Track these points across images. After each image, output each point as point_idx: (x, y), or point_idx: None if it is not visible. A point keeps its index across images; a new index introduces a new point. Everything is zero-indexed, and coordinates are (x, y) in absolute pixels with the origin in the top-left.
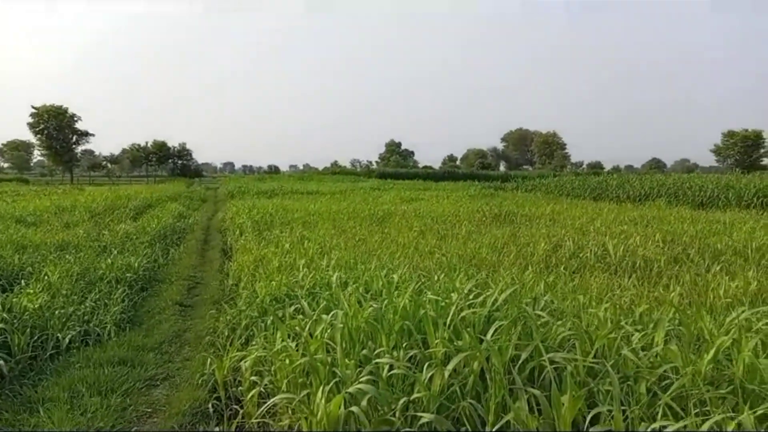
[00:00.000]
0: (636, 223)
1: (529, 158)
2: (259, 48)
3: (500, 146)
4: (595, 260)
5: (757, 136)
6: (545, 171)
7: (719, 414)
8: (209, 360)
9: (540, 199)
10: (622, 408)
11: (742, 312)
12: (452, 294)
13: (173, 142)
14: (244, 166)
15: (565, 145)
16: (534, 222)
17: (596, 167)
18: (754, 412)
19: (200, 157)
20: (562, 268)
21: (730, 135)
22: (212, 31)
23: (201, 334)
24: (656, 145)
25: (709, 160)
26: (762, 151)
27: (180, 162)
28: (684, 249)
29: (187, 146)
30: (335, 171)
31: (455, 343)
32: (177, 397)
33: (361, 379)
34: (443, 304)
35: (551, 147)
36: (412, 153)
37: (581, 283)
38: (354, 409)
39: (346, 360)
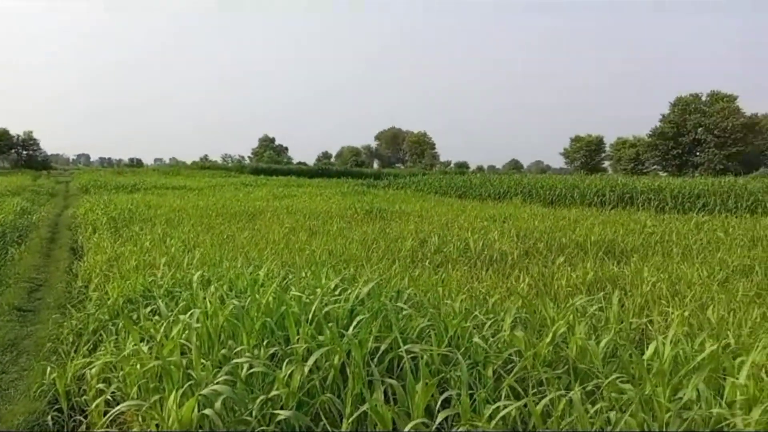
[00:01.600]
0: (495, 220)
1: (401, 157)
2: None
3: (374, 145)
4: (457, 254)
5: (599, 141)
6: (416, 169)
7: (554, 392)
8: (49, 368)
9: (410, 197)
10: (471, 392)
11: (579, 299)
12: (317, 290)
13: (17, 131)
14: (102, 159)
15: (434, 145)
16: (403, 218)
17: (463, 167)
18: (584, 388)
19: (50, 147)
20: (427, 263)
21: (576, 140)
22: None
23: (42, 341)
24: (515, 148)
25: (560, 162)
26: (603, 154)
27: (25, 152)
28: (534, 243)
29: (34, 135)
30: (205, 165)
31: (317, 339)
32: (10, 411)
33: (218, 380)
34: (307, 300)
35: (422, 146)
36: (287, 149)
37: (444, 276)
38: (207, 411)
39: (203, 361)
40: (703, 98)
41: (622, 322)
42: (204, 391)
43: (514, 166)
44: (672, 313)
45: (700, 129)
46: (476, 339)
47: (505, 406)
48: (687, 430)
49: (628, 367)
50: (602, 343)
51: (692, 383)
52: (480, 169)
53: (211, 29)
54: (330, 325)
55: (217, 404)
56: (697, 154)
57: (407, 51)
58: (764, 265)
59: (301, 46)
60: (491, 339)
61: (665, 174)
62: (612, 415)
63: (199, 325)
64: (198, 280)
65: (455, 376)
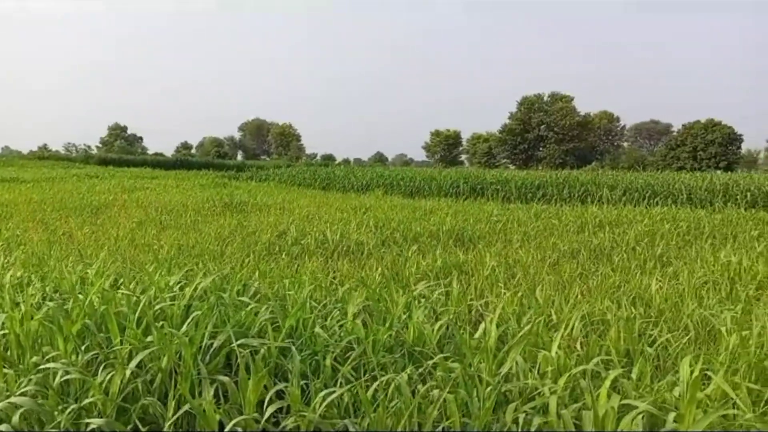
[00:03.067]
0: (356, 211)
1: (267, 149)
2: None
3: (238, 136)
4: (315, 246)
5: (457, 135)
6: (281, 161)
7: (390, 374)
8: None
9: (273, 189)
10: (306, 382)
11: (420, 285)
12: (153, 287)
13: None
14: None
15: (300, 137)
16: (264, 211)
17: (329, 159)
18: (417, 369)
19: None
20: (284, 255)
21: (436, 134)
22: None
23: None
24: (381, 140)
25: (422, 155)
26: (460, 148)
27: None
28: (391, 233)
29: None
30: (43, 156)
31: (143, 341)
32: None
33: (23, 391)
34: (137, 298)
35: (287, 138)
36: (141, 139)
37: (300, 268)
38: (3, 428)
39: (6, 371)
40: (545, 98)
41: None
42: None
43: (380, 158)
44: (504, 294)
45: (542, 126)
46: (317, 329)
47: (338, 393)
48: (506, 400)
49: (459, 346)
50: (436, 326)
51: (510, 357)
52: (346, 161)
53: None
54: (161, 323)
55: (15, 418)
56: (541, 149)
57: (269, 42)
58: (588, 247)
59: (159, 34)
60: (337, 328)
61: (514, 167)
62: (435, 392)
63: (6, 331)
64: (11, 281)
65: (290, 368)
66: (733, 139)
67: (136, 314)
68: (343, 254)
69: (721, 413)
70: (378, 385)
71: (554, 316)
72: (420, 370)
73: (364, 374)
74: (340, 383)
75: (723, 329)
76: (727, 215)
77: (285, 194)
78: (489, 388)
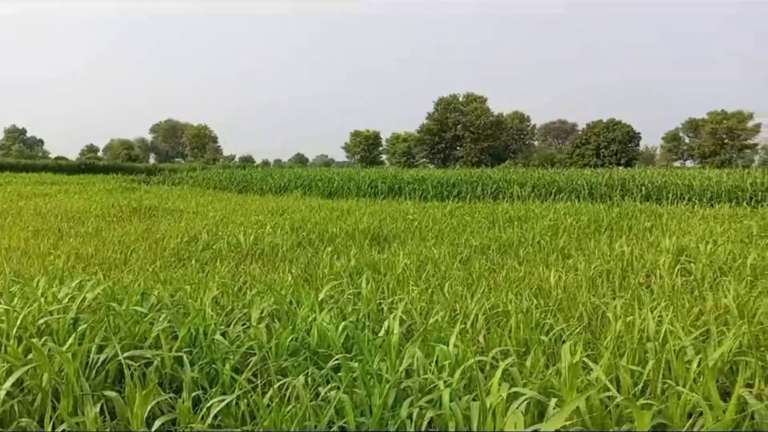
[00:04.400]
0: (272, 213)
1: (181, 151)
2: None
3: (150, 137)
4: (228, 250)
5: (376, 136)
6: (196, 164)
7: (289, 378)
8: None
9: (186, 193)
10: (202, 392)
11: (327, 287)
12: (38, 300)
13: None
14: None
15: (216, 138)
16: (175, 216)
17: (248, 161)
18: (320, 370)
19: None
20: (193, 261)
21: (356, 134)
22: None
23: None
24: (302, 142)
25: (342, 155)
26: (381, 148)
27: None
28: (307, 234)
29: None
30: None
31: (28, 357)
32: None
33: None
34: (16, 313)
35: (203, 140)
36: (41, 142)
37: (209, 274)
38: None
39: None
40: (461, 99)
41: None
42: None
43: (300, 159)
44: (412, 291)
45: (459, 126)
46: (217, 336)
47: (227, 401)
48: (406, 396)
49: (360, 346)
50: (340, 327)
51: (408, 353)
52: (266, 163)
53: None
54: (44, 339)
55: None
56: (458, 148)
57: (185, 40)
58: (498, 242)
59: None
60: (242, 334)
61: (433, 166)
62: (333, 393)
63: None
64: None
65: (193, 377)
66: (632, 137)
67: (14, 330)
68: (257, 258)
69: (600, 395)
70: (275, 390)
71: (459, 311)
72: (322, 372)
73: (266, 380)
74: (239, 391)
75: (610, 315)
76: (624, 208)
77: (199, 198)
78: (388, 386)
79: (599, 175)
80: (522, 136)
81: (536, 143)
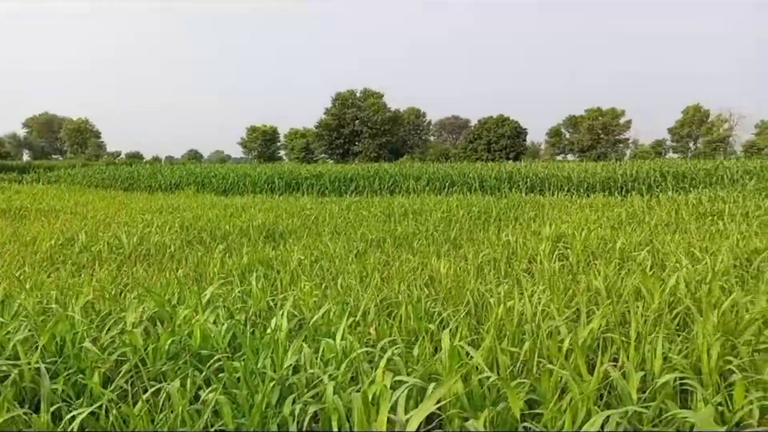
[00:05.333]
0: (162, 212)
1: (60, 147)
2: None
3: (23, 133)
4: (108, 251)
5: (274, 131)
6: (77, 161)
7: (168, 382)
8: None
9: (64, 191)
10: (66, 403)
11: (217, 284)
12: None
13: None
14: None
15: (99, 133)
16: (51, 216)
17: (135, 157)
18: (201, 370)
19: None
20: (69, 264)
21: (252, 130)
22: None
23: None
24: (196, 137)
25: (239, 151)
26: (279, 144)
27: None
28: (199, 233)
29: None
30: None
31: None
32: None
33: None
34: None
35: (84, 135)
36: None
37: (86, 277)
38: None
39: None
40: (358, 94)
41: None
42: None
43: (194, 156)
44: (305, 286)
45: (357, 121)
46: (86, 343)
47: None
48: (291, 392)
49: (250, 344)
50: (224, 327)
51: (293, 349)
52: (156, 159)
53: None
54: None
55: None
56: (356, 143)
57: (65, 28)
58: (393, 235)
59: None
60: (118, 340)
61: (332, 161)
62: (210, 395)
63: None
64: None
65: (55, 389)
66: (519, 132)
67: None
68: (141, 259)
69: (480, 377)
70: (150, 396)
71: (352, 304)
72: (203, 374)
73: (141, 386)
74: (110, 400)
75: (492, 301)
76: (511, 200)
77: (78, 197)
78: (272, 383)
79: (489, 169)
80: (418, 132)
81: (432, 138)
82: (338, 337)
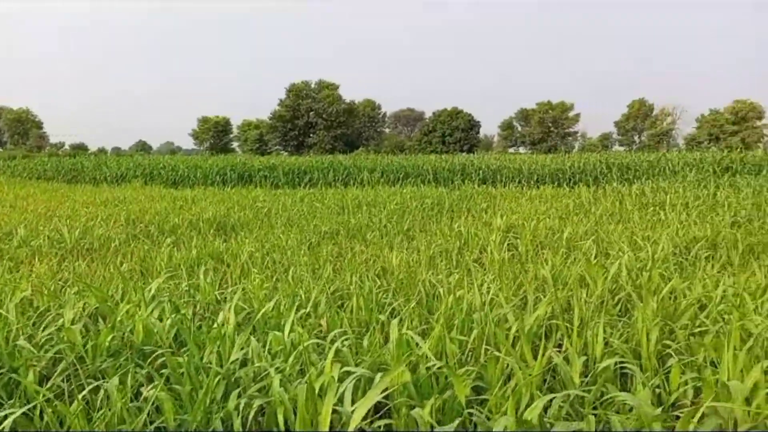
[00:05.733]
0: (107, 204)
1: None
2: None
3: None
4: (49, 246)
5: (226, 122)
6: (17, 152)
7: (107, 380)
8: None
9: (3, 184)
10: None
11: (163, 278)
12: None
13: None
14: None
15: (42, 123)
16: None
17: (80, 148)
18: (143, 366)
19: None
20: (6, 260)
21: (204, 121)
22: None
23: None
24: (145, 128)
25: (190, 142)
26: (231, 135)
27: None
28: (146, 226)
29: None
30: None
31: None
32: None
33: None
34: None
35: (25, 126)
36: None
37: (23, 273)
38: None
39: None
40: (312, 85)
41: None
42: None
43: (143, 147)
44: (255, 279)
45: (311, 113)
46: (21, 341)
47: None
48: (237, 386)
49: (195, 338)
50: (169, 321)
51: (239, 342)
52: (102, 150)
53: None
54: None
55: None
56: (311, 135)
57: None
58: (347, 227)
59: None
60: (54, 336)
61: (286, 153)
62: (151, 392)
63: None
64: None
65: None
66: (473, 125)
67: None
68: (84, 253)
69: (428, 365)
70: (88, 394)
71: (303, 296)
72: (144, 370)
73: (79, 384)
74: (46, 399)
75: (442, 291)
76: (464, 191)
77: (18, 190)
78: (218, 378)
79: (443, 161)
80: (374, 124)
81: (387, 130)
82: (287, 329)
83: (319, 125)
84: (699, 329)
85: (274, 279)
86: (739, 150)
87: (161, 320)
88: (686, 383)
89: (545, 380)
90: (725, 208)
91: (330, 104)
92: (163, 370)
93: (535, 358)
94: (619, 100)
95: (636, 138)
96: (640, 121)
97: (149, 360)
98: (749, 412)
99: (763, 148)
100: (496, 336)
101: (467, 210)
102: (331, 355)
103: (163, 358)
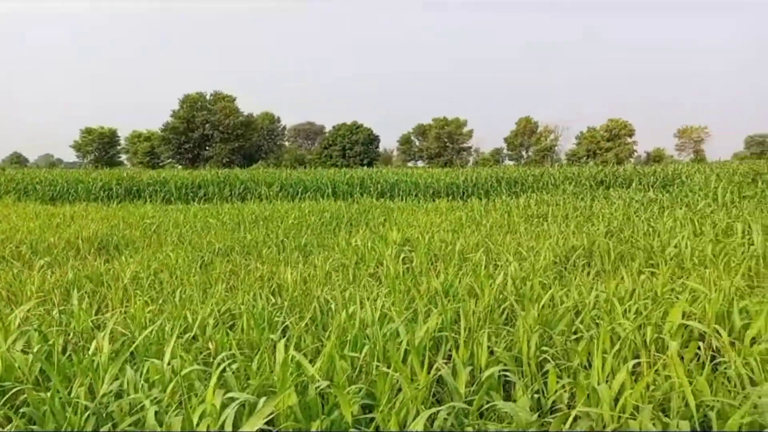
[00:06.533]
0: None
1: None
2: None
3: None
4: None
5: (113, 133)
6: None
7: None
8: None
9: None
10: None
11: (29, 306)
12: None
13: None
14: None
15: None
16: None
17: None
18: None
19: None
20: None
21: (88, 132)
22: None
23: None
24: (20, 140)
25: (72, 155)
26: (119, 147)
27: None
28: (16, 246)
29: None
30: None
31: None
32: None
33: None
34: None
35: None
36: None
37: None
38: None
39: None
40: (208, 97)
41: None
42: None
43: (18, 160)
44: (138, 302)
45: (207, 125)
46: None
47: None
48: (112, 420)
49: (60, 371)
50: (35, 353)
51: (112, 373)
52: None
53: None
54: None
55: None
56: (207, 148)
57: None
58: (242, 244)
59: None
60: None
61: (181, 166)
62: None
63: None
64: None
65: None
66: (372, 139)
67: None
68: None
69: (316, 384)
70: None
71: (191, 318)
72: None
73: None
74: None
75: (333, 307)
76: (363, 205)
77: None
78: (87, 413)
79: (342, 175)
80: (273, 137)
81: (287, 144)
82: (168, 355)
83: (216, 138)
84: (575, 335)
85: (160, 301)
86: (612, 165)
87: (26, 352)
88: (563, 387)
89: (435, 392)
90: (600, 219)
91: (226, 116)
92: (23, 409)
93: (428, 371)
94: (509, 117)
95: (524, 153)
96: (527, 138)
97: (6, 398)
98: (615, 415)
99: (633, 162)
100: (387, 351)
101: (365, 224)
102: (213, 381)
103: (24, 396)
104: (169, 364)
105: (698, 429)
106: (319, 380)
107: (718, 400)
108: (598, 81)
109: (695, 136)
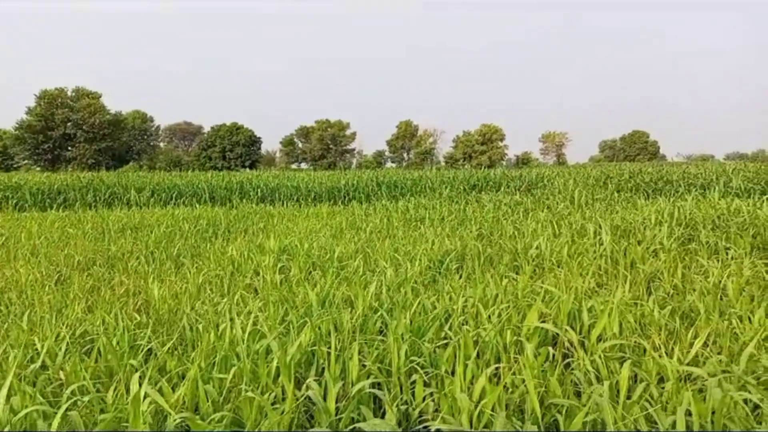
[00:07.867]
0: None
1: None
2: None
3: None
4: None
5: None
6: None
7: None
8: None
9: None
10: None
11: None
12: None
13: None
14: None
15: None
16: None
17: None
18: None
19: None
20: None
21: None
22: None
23: None
24: None
25: None
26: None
27: None
28: None
29: None
30: None
31: None
32: None
33: None
34: None
35: None
36: None
37: None
38: None
39: None
40: (69, 93)
41: None
42: None
43: None
44: None
45: (69, 123)
46: None
47: None
48: None
49: None
50: None
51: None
52: None
53: None
54: None
55: None
56: (69, 148)
57: None
58: (106, 256)
59: None
60: None
61: (39, 168)
62: None
63: None
64: None
65: None
66: (254, 141)
67: None
68: None
69: (177, 416)
70: None
71: (39, 344)
72: None
73: None
74: None
75: (201, 327)
76: (241, 211)
77: None
78: None
79: (220, 179)
80: (146, 137)
81: (162, 144)
82: (4, 390)
83: (79, 137)
84: (444, 341)
85: (5, 326)
86: (484, 168)
87: None
88: (431, 396)
89: (308, 409)
90: (472, 222)
91: (91, 114)
92: None
93: (299, 388)
94: (391, 120)
95: (405, 155)
96: (408, 141)
97: None
98: (472, 421)
99: (504, 165)
100: (257, 370)
101: (244, 231)
102: (56, 422)
103: None
104: (7, 402)
105: (543, 431)
106: (173, 414)
107: (565, 401)
108: (471, 86)
109: (557, 141)
